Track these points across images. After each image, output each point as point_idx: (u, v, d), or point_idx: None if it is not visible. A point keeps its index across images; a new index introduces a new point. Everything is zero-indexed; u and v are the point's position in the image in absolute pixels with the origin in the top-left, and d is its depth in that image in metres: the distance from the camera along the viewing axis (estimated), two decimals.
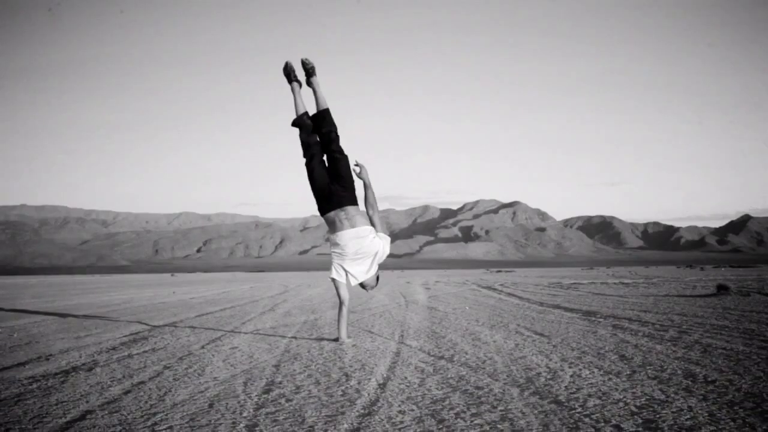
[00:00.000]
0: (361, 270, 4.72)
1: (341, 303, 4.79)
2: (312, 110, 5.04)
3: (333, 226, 4.71)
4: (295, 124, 4.97)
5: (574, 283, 16.88)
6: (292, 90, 5.09)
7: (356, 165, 4.86)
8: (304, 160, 4.85)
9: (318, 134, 4.91)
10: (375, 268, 4.77)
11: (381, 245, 4.72)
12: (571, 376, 3.27)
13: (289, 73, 5.12)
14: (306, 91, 5.12)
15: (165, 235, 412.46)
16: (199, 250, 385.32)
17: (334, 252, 4.77)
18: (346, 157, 4.83)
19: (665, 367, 3.48)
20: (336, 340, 4.86)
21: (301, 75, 5.14)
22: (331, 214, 4.70)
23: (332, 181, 4.77)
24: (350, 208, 4.70)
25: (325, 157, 4.89)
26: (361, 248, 4.65)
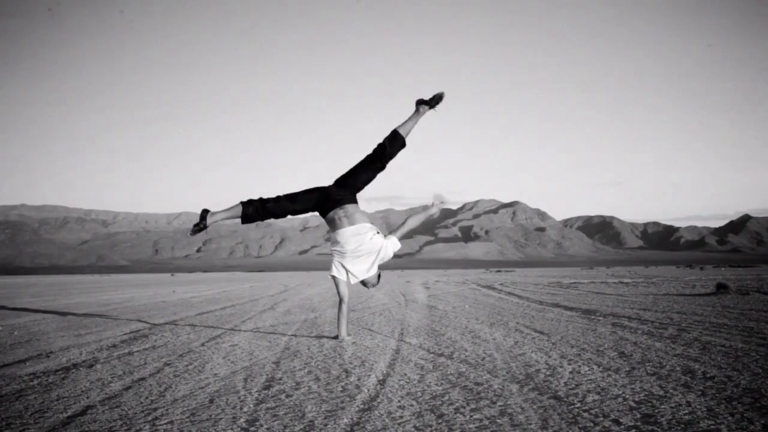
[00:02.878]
0: (362, 269, 4.73)
1: (341, 300, 4.80)
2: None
3: (333, 225, 4.72)
4: (396, 143, 4.77)
5: (574, 283, 16.89)
6: (419, 114, 4.85)
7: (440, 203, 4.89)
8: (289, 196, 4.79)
9: (391, 147, 4.77)
10: (376, 266, 4.78)
11: (383, 244, 4.71)
12: (570, 372, 3.28)
13: (437, 100, 4.87)
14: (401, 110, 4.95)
15: (165, 235, 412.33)
16: (199, 250, 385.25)
17: (334, 250, 4.78)
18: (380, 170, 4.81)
19: (664, 363, 3.49)
20: (336, 337, 4.87)
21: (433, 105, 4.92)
22: (331, 213, 4.70)
23: (338, 183, 4.76)
24: (349, 207, 4.70)
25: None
26: (361, 245, 4.65)
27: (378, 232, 4.75)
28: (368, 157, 4.75)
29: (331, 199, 4.70)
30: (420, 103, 4.82)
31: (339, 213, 4.68)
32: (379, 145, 4.73)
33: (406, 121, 4.78)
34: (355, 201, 4.76)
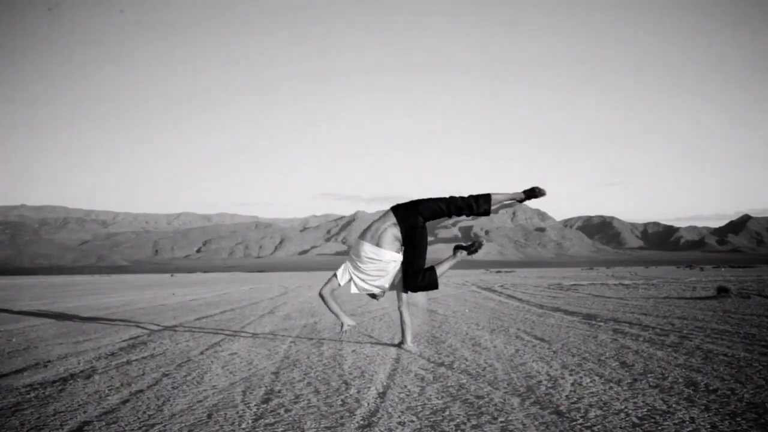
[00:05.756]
0: (367, 282, 4.70)
1: (322, 291, 4.72)
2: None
3: (369, 227, 4.67)
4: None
5: (574, 285, 16.86)
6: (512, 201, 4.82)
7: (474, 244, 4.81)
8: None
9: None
10: (385, 282, 4.71)
11: (394, 269, 4.67)
12: (572, 384, 3.25)
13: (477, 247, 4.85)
14: None
15: (165, 235, 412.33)
16: (198, 251, 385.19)
17: (352, 254, 4.73)
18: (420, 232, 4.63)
19: (666, 375, 3.46)
20: (342, 328, 4.74)
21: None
22: (386, 213, 4.68)
23: (411, 202, 4.69)
24: (387, 225, 4.59)
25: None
26: (371, 264, 4.61)
27: (395, 262, 4.66)
28: (452, 198, 4.67)
29: (396, 207, 4.68)
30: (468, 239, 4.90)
31: (376, 224, 4.64)
32: (469, 198, 4.66)
33: (499, 194, 4.73)
34: (397, 226, 4.60)
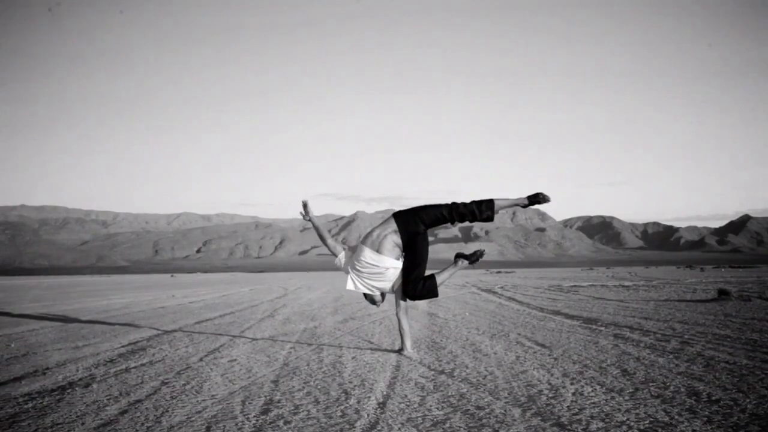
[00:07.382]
0: (363, 284, 4.68)
1: (325, 237, 4.78)
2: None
3: (370, 232, 4.65)
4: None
5: (574, 286, 16.84)
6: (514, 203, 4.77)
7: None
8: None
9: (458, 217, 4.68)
10: (383, 285, 4.69)
11: (392, 274, 4.65)
12: (573, 394, 3.23)
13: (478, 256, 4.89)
14: None
15: (165, 235, 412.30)
16: (198, 251, 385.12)
17: (353, 257, 4.70)
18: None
19: (668, 383, 3.44)
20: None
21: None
22: (387, 219, 4.67)
23: (412, 209, 4.66)
24: (389, 231, 4.57)
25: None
26: (370, 269, 4.60)
27: (396, 267, 4.65)
28: (454, 204, 4.63)
29: (397, 213, 4.67)
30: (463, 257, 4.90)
31: (377, 230, 4.63)
32: (472, 204, 4.62)
33: (501, 200, 4.67)
34: (398, 232, 4.59)
